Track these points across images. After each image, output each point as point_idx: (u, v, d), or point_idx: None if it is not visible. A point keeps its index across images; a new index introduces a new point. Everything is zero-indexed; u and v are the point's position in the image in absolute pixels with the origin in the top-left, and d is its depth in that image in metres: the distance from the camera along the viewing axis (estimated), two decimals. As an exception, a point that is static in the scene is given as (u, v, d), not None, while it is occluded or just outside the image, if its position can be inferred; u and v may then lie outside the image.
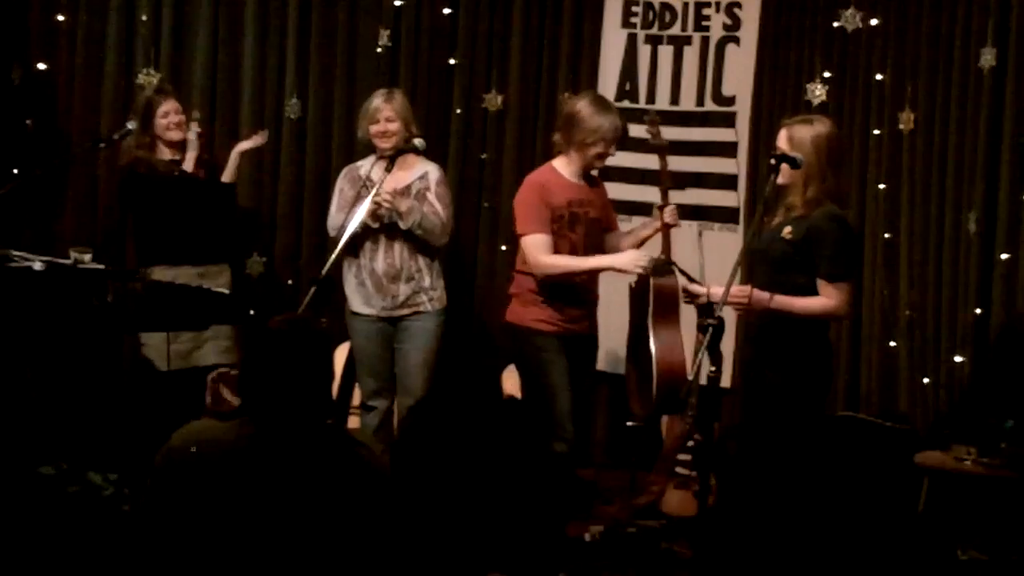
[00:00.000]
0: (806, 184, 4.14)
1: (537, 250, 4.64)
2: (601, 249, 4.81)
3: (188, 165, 5.42)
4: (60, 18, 6.05)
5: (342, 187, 5.15)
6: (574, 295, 4.75)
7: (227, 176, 5.54)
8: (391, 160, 4.65)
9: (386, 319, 5.04)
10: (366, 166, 5.09)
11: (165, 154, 5.36)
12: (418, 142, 4.75)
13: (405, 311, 5.01)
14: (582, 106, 4.71)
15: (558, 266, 4.66)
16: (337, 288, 5.11)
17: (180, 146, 5.40)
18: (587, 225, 4.75)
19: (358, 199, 4.90)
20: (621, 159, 6.07)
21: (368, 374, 5.13)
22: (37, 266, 4.21)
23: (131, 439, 5.03)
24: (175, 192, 5.30)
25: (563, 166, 4.77)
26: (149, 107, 5.35)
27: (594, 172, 4.88)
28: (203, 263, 5.34)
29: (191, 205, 5.33)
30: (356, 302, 5.07)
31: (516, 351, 4.89)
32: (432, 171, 5.08)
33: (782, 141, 4.23)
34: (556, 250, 4.67)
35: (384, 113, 4.95)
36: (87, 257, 4.36)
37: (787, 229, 4.18)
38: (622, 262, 4.63)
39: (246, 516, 2.69)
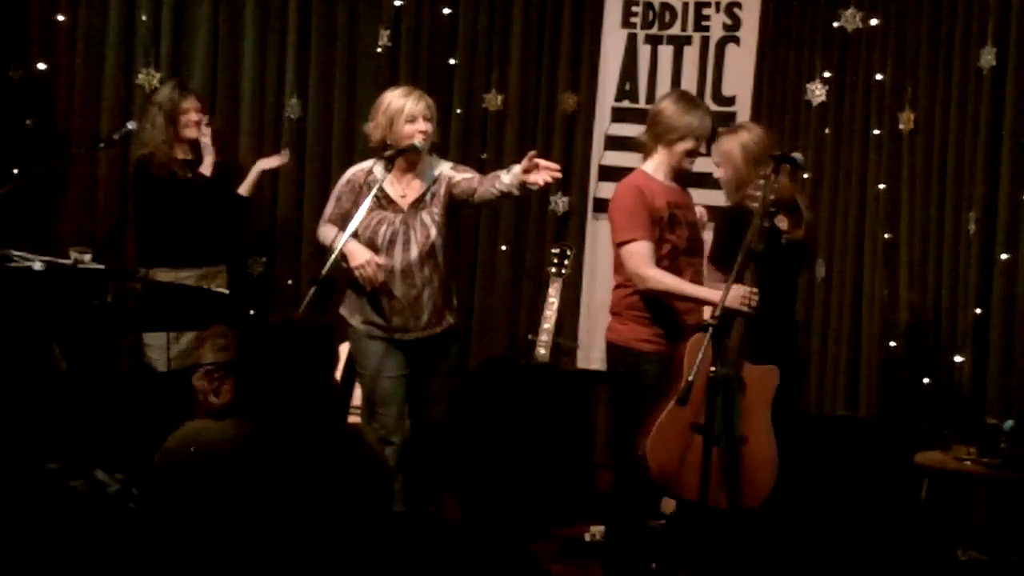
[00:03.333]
0: (737, 187, 4.46)
1: (641, 260, 4.30)
2: (700, 253, 4.56)
3: (206, 169, 5.43)
4: (60, 18, 6.04)
5: (340, 195, 4.75)
6: (680, 312, 4.42)
7: (244, 190, 5.54)
8: (390, 160, 4.62)
9: (406, 343, 4.70)
10: (377, 172, 4.66)
11: (178, 153, 5.38)
12: (418, 142, 4.73)
13: (427, 332, 4.70)
14: (666, 104, 4.54)
15: (662, 283, 4.32)
16: (337, 289, 5.10)
17: (193, 146, 5.42)
18: (689, 228, 4.49)
19: (371, 210, 4.60)
20: (621, 159, 6.09)
21: (388, 404, 4.68)
22: (37, 266, 4.21)
23: (133, 439, 5.04)
24: (186, 195, 5.31)
25: (654, 168, 4.53)
26: (175, 103, 5.36)
27: (687, 165, 4.56)
28: (203, 265, 5.36)
29: (200, 209, 5.35)
30: (367, 322, 4.71)
31: (613, 370, 4.55)
32: (444, 168, 4.76)
33: (713, 155, 4.60)
34: (657, 253, 4.38)
35: (425, 113, 4.64)
36: (87, 257, 4.37)
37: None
38: (734, 301, 4.13)
39: (246, 514, 2.69)
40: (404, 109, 4.62)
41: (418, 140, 4.61)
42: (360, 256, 4.57)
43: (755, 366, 4.25)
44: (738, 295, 4.14)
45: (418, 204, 4.67)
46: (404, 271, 4.63)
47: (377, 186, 4.56)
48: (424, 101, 4.68)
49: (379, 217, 4.65)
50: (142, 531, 2.84)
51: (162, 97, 5.43)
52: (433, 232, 4.64)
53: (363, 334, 4.72)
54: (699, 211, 4.68)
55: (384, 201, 4.65)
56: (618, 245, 4.40)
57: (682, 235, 4.45)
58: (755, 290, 4.17)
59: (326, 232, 4.72)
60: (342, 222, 4.62)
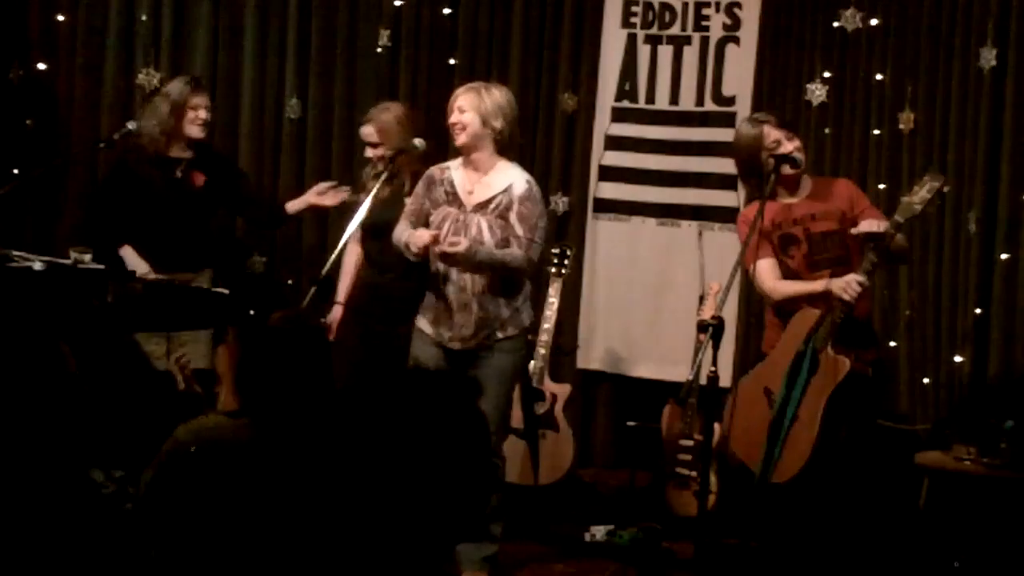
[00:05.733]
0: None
1: (763, 277, 4.39)
2: (827, 265, 4.39)
3: (198, 179, 5.21)
4: (60, 18, 6.05)
5: (417, 191, 4.54)
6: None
7: (292, 208, 5.39)
8: (390, 161, 4.58)
9: (450, 351, 4.42)
10: (452, 167, 4.49)
11: (175, 149, 5.20)
12: (418, 142, 4.71)
13: (471, 345, 4.39)
14: (736, 137, 4.57)
15: (782, 291, 4.42)
16: (335, 288, 5.09)
17: (195, 146, 5.23)
18: (812, 244, 4.40)
19: (437, 206, 4.43)
20: (621, 159, 6.10)
21: None
22: (37, 266, 4.21)
23: (131, 438, 5.02)
24: (159, 195, 5.15)
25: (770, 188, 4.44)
26: (184, 96, 5.15)
27: (784, 171, 4.39)
28: (176, 270, 5.09)
29: (175, 212, 5.17)
30: (425, 321, 4.48)
31: None
32: (517, 183, 4.38)
33: (369, 131, 4.96)
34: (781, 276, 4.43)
35: (456, 102, 4.38)
36: (87, 257, 4.36)
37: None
38: (836, 286, 4.22)
39: (245, 512, 2.69)
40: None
41: (418, 140, 4.57)
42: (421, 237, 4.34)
43: (833, 355, 4.27)
44: (842, 283, 4.20)
45: (482, 207, 4.38)
46: (458, 273, 4.37)
47: (380, 183, 4.51)
48: (465, 92, 4.43)
49: (444, 212, 4.44)
50: (140, 523, 2.84)
51: (171, 87, 5.25)
52: (487, 238, 4.32)
53: (422, 336, 4.50)
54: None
55: (451, 196, 4.44)
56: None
57: (798, 255, 4.41)
58: (861, 279, 4.19)
59: (398, 231, 4.51)
60: (415, 219, 4.48)
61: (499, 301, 4.37)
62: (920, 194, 4.18)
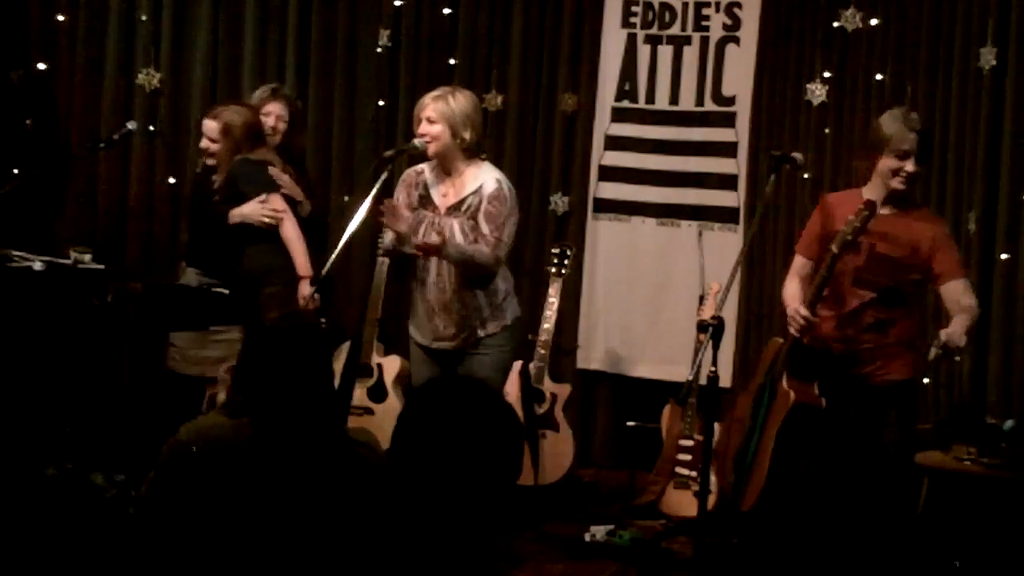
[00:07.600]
0: (234, 151, 4.79)
1: (790, 271, 4.37)
2: (875, 287, 4.21)
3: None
4: (60, 18, 6.05)
5: (396, 196, 4.54)
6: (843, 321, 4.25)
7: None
8: (389, 162, 4.56)
9: (436, 352, 4.51)
10: (426, 170, 4.54)
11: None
12: (418, 142, 4.69)
13: (455, 345, 4.46)
14: (883, 116, 4.23)
15: (784, 291, 4.38)
16: (336, 289, 5.08)
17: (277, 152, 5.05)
18: (869, 260, 4.18)
19: (414, 211, 4.47)
20: (621, 159, 6.10)
21: None
22: (37, 266, 4.22)
23: (134, 439, 5.03)
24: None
25: (868, 188, 4.23)
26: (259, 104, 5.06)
27: (894, 184, 4.16)
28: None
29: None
30: (412, 326, 4.58)
31: None
32: (488, 183, 4.40)
33: (209, 130, 4.83)
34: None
35: (424, 112, 4.40)
36: (87, 257, 4.37)
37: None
38: (788, 312, 4.22)
39: (244, 514, 2.69)
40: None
41: (418, 141, 4.55)
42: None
43: (784, 386, 4.27)
44: (791, 312, 4.20)
45: (454, 210, 4.41)
46: (437, 274, 4.44)
47: (380, 184, 4.49)
48: (434, 101, 4.41)
49: (421, 216, 4.48)
50: (140, 524, 2.85)
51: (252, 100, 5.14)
52: (459, 240, 4.36)
53: (412, 340, 4.60)
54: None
55: (425, 200, 4.50)
56: None
57: (850, 264, 4.19)
58: (804, 311, 4.13)
59: (386, 237, 4.68)
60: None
61: (479, 297, 4.42)
62: (852, 223, 4.08)
